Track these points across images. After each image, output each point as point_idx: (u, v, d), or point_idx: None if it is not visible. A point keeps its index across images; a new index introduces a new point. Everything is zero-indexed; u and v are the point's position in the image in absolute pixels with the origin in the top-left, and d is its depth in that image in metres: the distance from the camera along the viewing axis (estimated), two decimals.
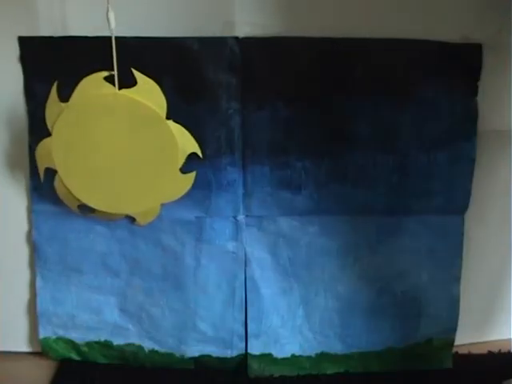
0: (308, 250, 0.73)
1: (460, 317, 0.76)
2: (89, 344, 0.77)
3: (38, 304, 0.75)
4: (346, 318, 0.76)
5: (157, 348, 0.77)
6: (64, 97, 0.62)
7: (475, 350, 0.81)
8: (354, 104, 0.68)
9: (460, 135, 0.70)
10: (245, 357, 0.77)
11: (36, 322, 0.76)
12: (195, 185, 0.69)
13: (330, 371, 0.77)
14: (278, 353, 0.77)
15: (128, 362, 0.77)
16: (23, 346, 0.79)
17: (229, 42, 0.65)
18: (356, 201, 0.71)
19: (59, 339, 0.77)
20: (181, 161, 0.65)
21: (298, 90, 0.67)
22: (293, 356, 0.77)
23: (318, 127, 0.68)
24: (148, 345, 0.77)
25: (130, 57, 0.65)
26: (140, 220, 0.70)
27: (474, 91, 0.68)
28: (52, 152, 0.64)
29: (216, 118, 0.67)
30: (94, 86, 0.62)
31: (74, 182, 0.65)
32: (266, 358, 0.76)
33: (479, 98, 0.69)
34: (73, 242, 0.72)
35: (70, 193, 0.66)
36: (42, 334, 0.76)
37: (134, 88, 0.62)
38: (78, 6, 0.64)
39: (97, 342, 0.77)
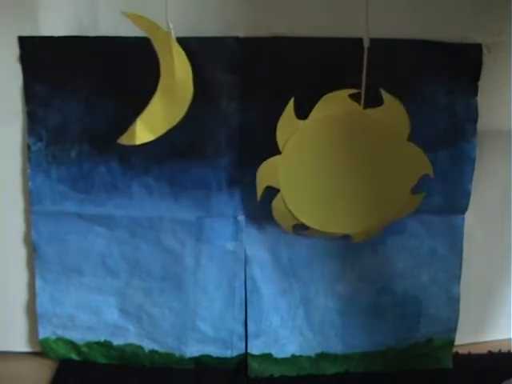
0: (308, 250, 0.73)
1: (460, 317, 0.76)
2: (89, 344, 0.77)
3: (38, 304, 0.75)
4: (346, 318, 0.76)
5: (157, 348, 0.77)
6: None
7: (475, 350, 0.80)
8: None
9: (460, 135, 0.70)
10: (245, 357, 0.77)
11: (36, 322, 0.76)
12: (195, 185, 0.69)
13: (329, 371, 0.77)
14: (278, 353, 0.77)
15: (128, 362, 0.77)
16: (23, 346, 0.79)
17: (229, 42, 0.65)
18: None
19: (59, 339, 0.77)
20: (414, 182, 0.64)
21: (298, 90, 0.67)
22: (293, 356, 0.77)
23: None
24: (148, 345, 0.77)
25: (130, 57, 0.65)
26: (355, 238, 0.68)
27: (474, 91, 0.68)
28: (279, 171, 0.63)
29: (216, 117, 0.67)
30: (336, 104, 0.60)
31: (296, 202, 0.64)
32: (266, 357, 0.76)
33: (479, 98, 0.69)
34: (72, 242, 0.72)
35: (289, 212, 0.65)
36: (41, 335, 0.76)
37: (381, 108, 0.61)
38: (78, 5, 0.64)
39: (97, 343, 0.77)
